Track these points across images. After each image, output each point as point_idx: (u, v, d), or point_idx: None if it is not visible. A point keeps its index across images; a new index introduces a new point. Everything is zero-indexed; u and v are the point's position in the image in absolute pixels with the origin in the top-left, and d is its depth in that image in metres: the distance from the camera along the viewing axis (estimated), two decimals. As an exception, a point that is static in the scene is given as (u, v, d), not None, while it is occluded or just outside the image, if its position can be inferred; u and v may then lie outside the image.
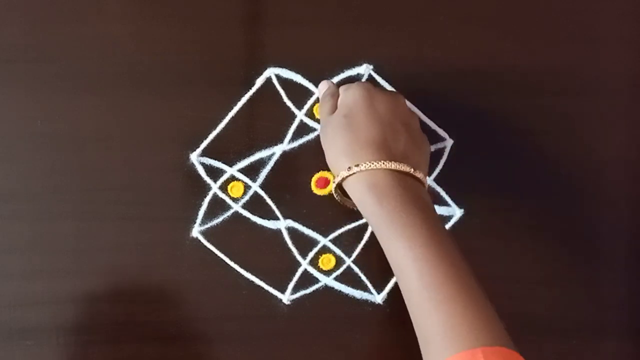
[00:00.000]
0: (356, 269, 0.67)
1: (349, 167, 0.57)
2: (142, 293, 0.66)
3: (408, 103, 0.63)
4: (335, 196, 0.61)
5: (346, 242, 0.67)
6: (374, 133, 0.57)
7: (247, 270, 0.66)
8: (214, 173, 0.66)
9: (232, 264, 0.66)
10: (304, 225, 0.67)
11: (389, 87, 0.67)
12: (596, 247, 0.69)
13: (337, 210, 0.67)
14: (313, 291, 0.67)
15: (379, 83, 0.67)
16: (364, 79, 0.67)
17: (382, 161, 0.56)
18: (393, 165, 0.56)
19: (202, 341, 0.67)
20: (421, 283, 0.51)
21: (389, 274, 0.67)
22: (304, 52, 0.67)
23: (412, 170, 0.57)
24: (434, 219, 0.55)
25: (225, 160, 0.66)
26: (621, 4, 0.70)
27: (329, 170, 0.66)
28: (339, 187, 0.59)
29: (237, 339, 0.66)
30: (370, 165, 0.56)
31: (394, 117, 0.59)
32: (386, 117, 0.58)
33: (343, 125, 0.58)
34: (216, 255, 0.66)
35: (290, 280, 0.67)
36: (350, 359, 0.67)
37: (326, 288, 0.67)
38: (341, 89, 0.62)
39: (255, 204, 0.67)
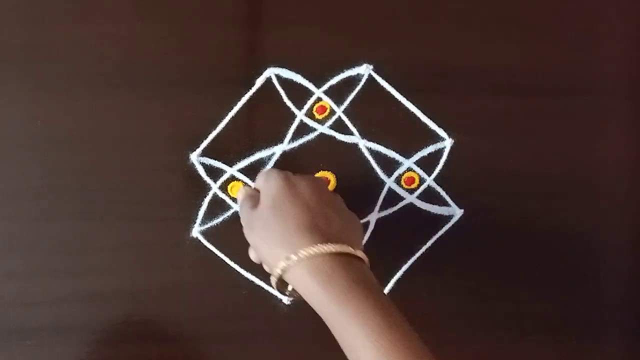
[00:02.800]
0: (356, 269, 0.67)
1: (287, 257, 0.53)
2: (142, 293, 0.66)
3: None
4: (278, 290, 0.57)
5: (346, 242, 0.67)
6: (304, 218, 0.55)
7: (247, 270, 0.66)
8: (214, 173, 0.66)
9: (232, 264, 0.66)
10: (304, 225, 0.67)
11: (388, 88, 0.67)
12: (596, 247, 0.69)
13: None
14: (313, 291, 0.67)
15: (379, 84, 0.67)
16: (364, 79, 0.67)
17: (321, 245, 0.53)
18: (333, 248, 0.53)
19: (202, 341, 0.66)
20: None
21: (389, 273, 0.67)
22: (304, 52, 0.67)
23: (353, 250, 0.54)
24: (382, 299, 0.53)
25: (225, 160, 0.66)
26: (621, 4, 0.70)
27: (329, 170, 0.67)
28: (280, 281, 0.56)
29: (237, 339, 0.66)
30: (310, 251, 0.53)
31: (319, 200, 0.56)
32: (312, 201, 0.56)
33: (271, 216, 0.55)
34: (216, 255, 0.66)
35: (290, 280, 0.67)
36: (350, 359, 0.67)
37: (326, 288, 0.67)
38: (259, 179, 0.59)
39: (255, 204, 0.66)
